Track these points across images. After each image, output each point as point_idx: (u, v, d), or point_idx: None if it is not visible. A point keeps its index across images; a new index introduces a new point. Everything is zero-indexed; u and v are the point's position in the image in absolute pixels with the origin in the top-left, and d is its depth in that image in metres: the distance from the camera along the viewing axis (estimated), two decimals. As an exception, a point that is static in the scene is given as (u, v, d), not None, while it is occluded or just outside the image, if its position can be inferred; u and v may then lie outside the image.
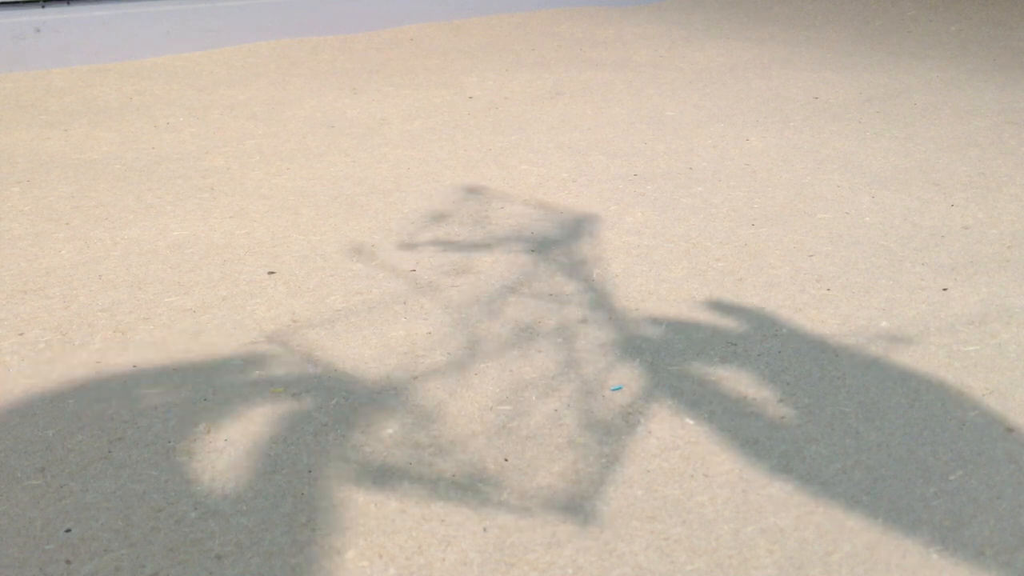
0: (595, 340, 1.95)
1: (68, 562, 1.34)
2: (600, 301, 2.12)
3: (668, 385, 1.78)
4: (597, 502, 1.47)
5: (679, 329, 1.99)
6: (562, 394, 1.76)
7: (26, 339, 1.97)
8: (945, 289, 2.16)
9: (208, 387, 1.78)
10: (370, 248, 2.41)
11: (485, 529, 1.41)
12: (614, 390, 1.77)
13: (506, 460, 1.57)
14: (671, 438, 1.62)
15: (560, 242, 2.44)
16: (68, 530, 1.41)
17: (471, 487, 1.50)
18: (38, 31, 4.44)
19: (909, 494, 1.48)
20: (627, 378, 1.81)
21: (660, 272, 2.26)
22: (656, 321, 2.03)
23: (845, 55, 4.70)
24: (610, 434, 1.64)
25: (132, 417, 1.69)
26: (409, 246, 2.41)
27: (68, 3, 4.62)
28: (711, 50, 4.83)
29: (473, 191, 2.82)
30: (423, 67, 4.50)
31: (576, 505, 1.46)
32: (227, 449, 1.60)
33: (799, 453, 1.58)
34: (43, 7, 4.54)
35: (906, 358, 1.87)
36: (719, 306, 2.10)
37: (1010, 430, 1.64)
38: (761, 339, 1.95)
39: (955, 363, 1.86)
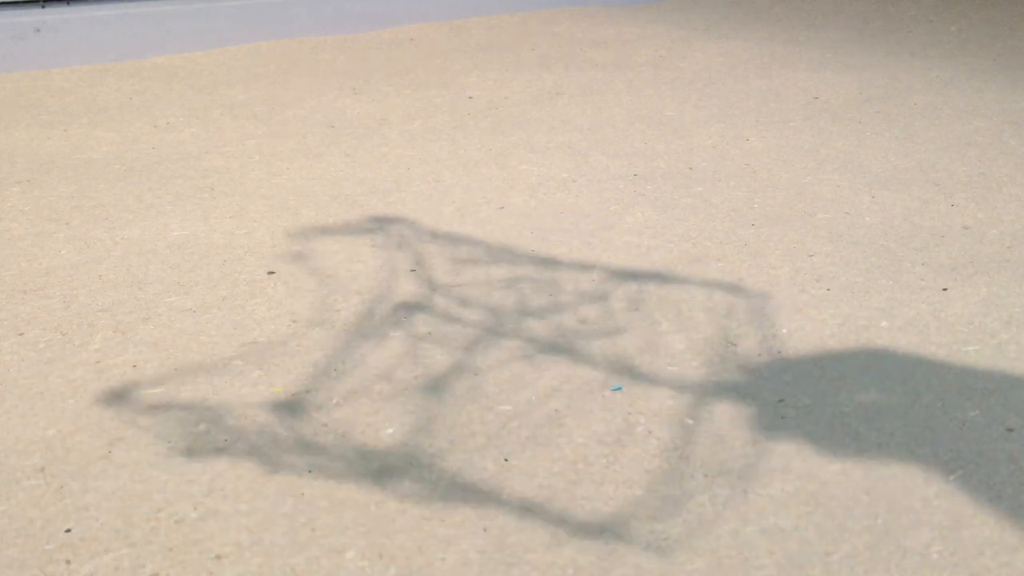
0: (594, 340, 1.95)
1: (68, 562, 1.34)
2: (599, 301, 2.12)
3: (668, 385, 1.78)
4: (597, 502, 1.47)
5: (679, 329, 1.99)
6: (561, 394, 1.76)
7: (26, 339, 1.97)
8: (945, 289, 2.16)
9: (208, 387, 1.78)
10: (370, 248, 2.41)
11: (485, 529, 1.41)
12: (614, 390, 1.77)
13: (506, 460, 1.57)
14: (671, 438, 1.63)
15: (559, 242, 2.44)
16: (68, 530, 1.41)
17: (471, 487, 1.50)
18: (38, 31, 4.44)
19: (909, 494, 1.48)
20: (627, 378, 1.81)
21: (658, 272, 2.26)
22: (655, 321, 2.03)
23: (845, 55, 4.70)
24: (610, 434, 1.64)
25: (132, 417, 1.69)
26: (407, 246, 2.42)
27: (68, 3, 4.62)
28: (711, 50, 4.83)
29: (474, 191, 2.82)
30: (423, 67, 4.50)
31: (576, 505, 1.46)
32: (227, 449, 1.60)
33: (799, 453, 1.58)
34: (43, 7, 4.54)
35: (906, 358, 1.87)
36: (719, 306, 2.10)
37: (1010, 430, 1.64)
38: (761, 339, 1.95)
39: (955, 363, 1.86)
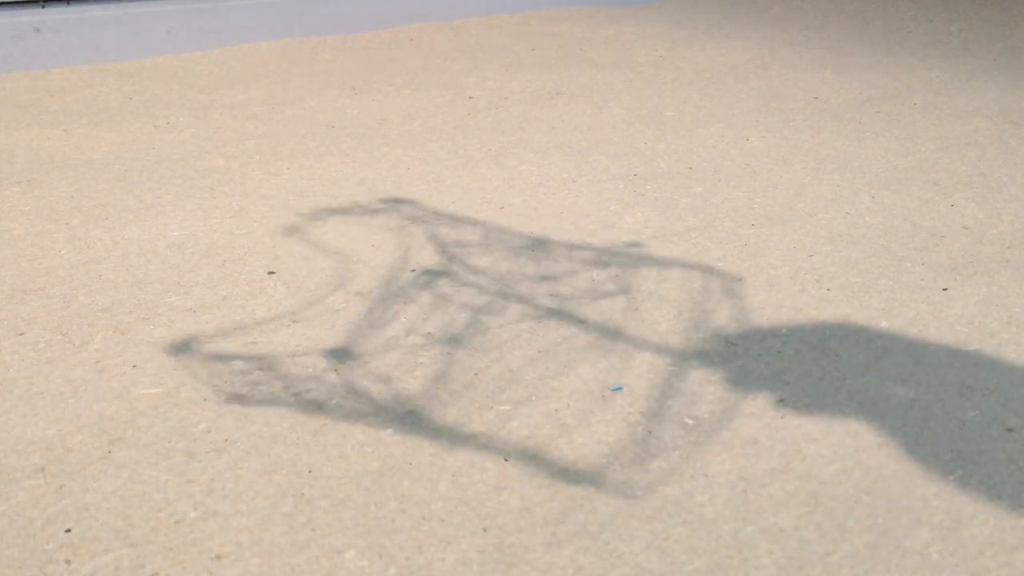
0: (594, 340, 1.95)
1: (68, 562, 1.34)
2: (599, 301, 2.12)
3: (668, 385, 1.78)
4: (597, 502, 1.47)
5: (679, 329, 1.99)
6: (561, 394, 1.76)
7: (26, 339, 1.97)
8: (945, 289, 2.16)
9: (208, 387, 1.78)
10: (370, 248, 2.41)
11: (485, 529, 1.41)
12: (614, 390, 1.77)
13: (506, 460, 1.57)
14: (671, 438, 1.63)
15: (559, 242, 2.44)
16: (68, 530, 1.41)
17: (471, 486, 1.50)
18: (38, 31, 4.44)
19: (909, 494, 1.48)
20: (627, 377, 1.81)
21: (659, 272, 2.26)
22: (655, 321, 2.03)
23: (845, 55, 4.70)
24: (610, 434, 1.64)
25: (132, 417, 1.69)
26: (406, 248, 2.42)
27: (68, 3, 4.62)
28: (711, 50, 4.83)
29: (474, 191, 2.82)
30: (423, 67, 4.50)
31: (576, 505, 1.46)
32: (227, 449, 1.60)
33: (799, 453, 1.58)
34: (43, 7, 4.54)
35: (906, 358, 1.87)
36: (719, 306, 2.10)
37: (1010, 430, 1.64)
38: (761, 339, 1.95)
39: (955, 363, 1.86)
